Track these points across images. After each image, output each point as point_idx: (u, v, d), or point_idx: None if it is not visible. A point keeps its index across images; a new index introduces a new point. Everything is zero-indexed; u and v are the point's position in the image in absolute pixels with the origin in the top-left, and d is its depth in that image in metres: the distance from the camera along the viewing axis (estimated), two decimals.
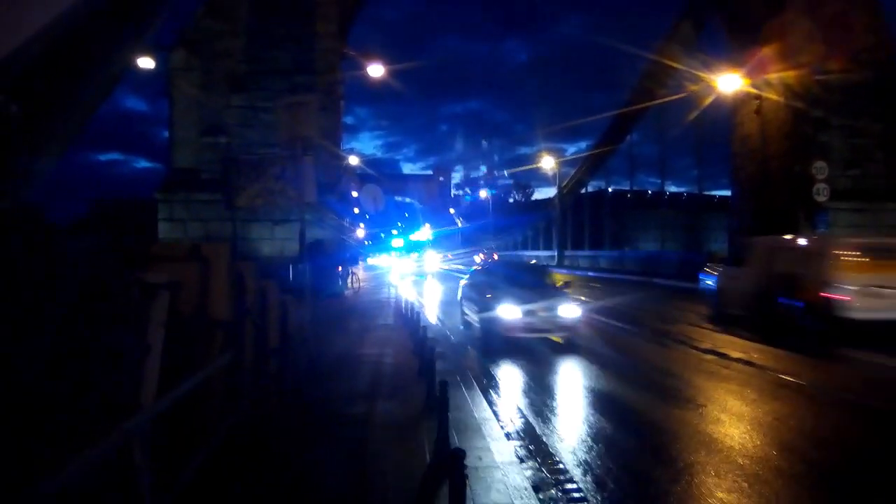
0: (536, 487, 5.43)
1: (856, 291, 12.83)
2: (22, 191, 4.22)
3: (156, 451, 3.97)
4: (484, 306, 13.52)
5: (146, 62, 20.41)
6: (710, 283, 20.00)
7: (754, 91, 27.31)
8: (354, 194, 34.26)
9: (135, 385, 3.91)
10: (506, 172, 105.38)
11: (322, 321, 14.85)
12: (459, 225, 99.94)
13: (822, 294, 13.14)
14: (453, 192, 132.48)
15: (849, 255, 13.53)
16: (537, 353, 12.33)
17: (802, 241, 15.84)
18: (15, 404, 3.02)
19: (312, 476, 5.73)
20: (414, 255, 76.38)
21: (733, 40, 30.28)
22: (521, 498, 5.03)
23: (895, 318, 12.59)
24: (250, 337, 6.38)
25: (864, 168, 26.00)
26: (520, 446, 6.73)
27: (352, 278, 30.00)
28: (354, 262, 42.04)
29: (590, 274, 44.45)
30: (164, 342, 4.18)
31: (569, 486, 5.61)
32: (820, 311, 13.18)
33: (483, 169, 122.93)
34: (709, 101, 31.63)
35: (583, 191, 59.15)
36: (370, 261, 68.83)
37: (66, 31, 4.11)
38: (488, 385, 9.83)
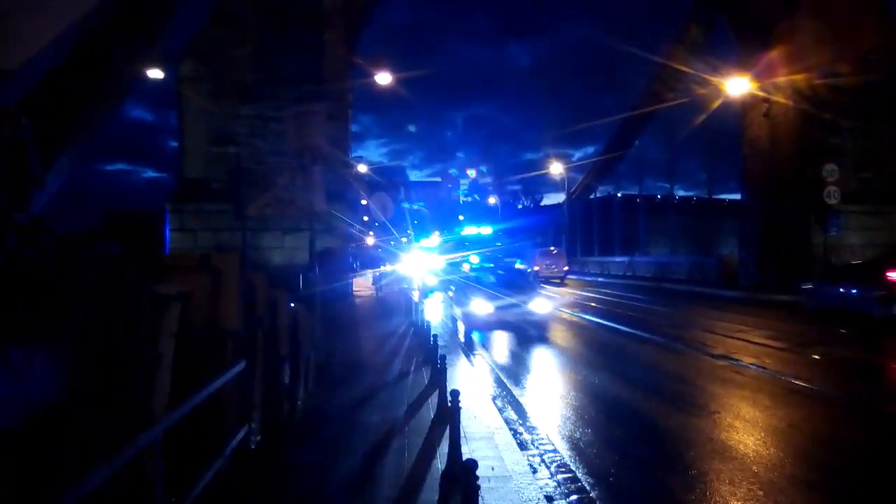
0: None
1: (541, 267, 42.92)
2: (35, 202, 4.24)
3: (168, 461, 3.96)
4: None
5: (155, 72, 20.55)
6: (522, 267, 38.10)
7: (763, 94, 27.21)
8: (364, 202, 34.28)
9: (146, 396, 3.91)
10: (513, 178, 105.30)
11: (332, 329, 14.85)
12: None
13: (535, 268, 40.92)
14: (461, 198, 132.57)
15: (540, 255, 44.94)
16: None
17: (538, 251, 46.13)
18: (25, 416, 3.01)
19: (327, 484, 5.71)
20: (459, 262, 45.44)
21: (742, 43, 30.20)
22: None
23: (552, 275, 42.24)
24: (261, 346, 6.37)
25: (876, 170, 25.82)
26: None
27: (380, 280, 35.31)
28: (376, 264, 43.48)
29: (599, 279, 44.54)
30: (176, 353, 4.18)
31: None
32: (536, 274, 38.47)
33: (489, 178, 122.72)
34: (717, 104, 31.54)
35: (591, 196, 59.09)
36: (384, 268, 59.29)
37: (76, 43, 4.12)
38: None
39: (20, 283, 3.37)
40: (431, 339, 10.72)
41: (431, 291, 31.80)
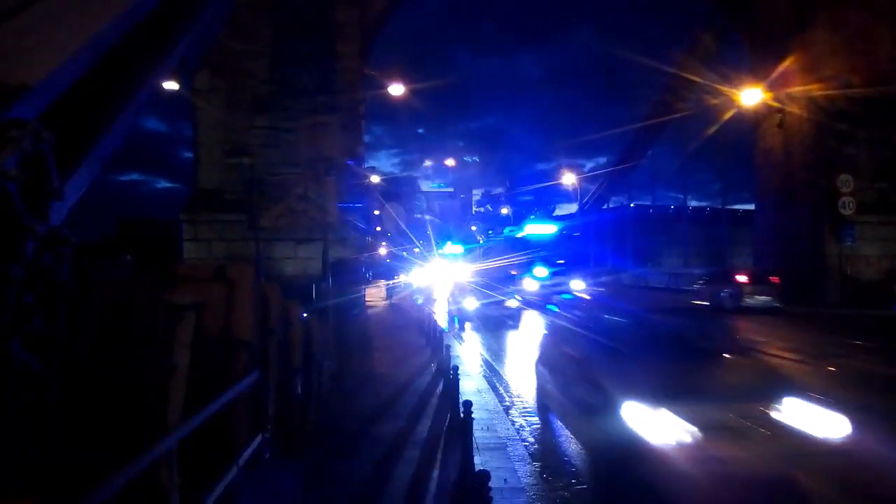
0: None
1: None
2: (54, 214, 4.30)
3: (182, 470, 3.99)
4: None
5: (170, 84, 20.74)
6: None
7: (777, 104, 27.10)
8: (376, 213, 34.36)
9: (161, 406, 3.95)
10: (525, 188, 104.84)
11: (345, 340, 14.88)
12: (481, 241, 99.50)
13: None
14: (474, 208, 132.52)
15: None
16: None
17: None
18: (41, 426, 3.05)
19: (340, 495, 5.72)
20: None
21: (755, 53, 30.12)
22: None
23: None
24: (274, 357, 6.41)
25: (892, 180, 25.60)
26: None
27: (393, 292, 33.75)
28: (390, 275, 42.58)
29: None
30: (190, 362, 4.21)
31: None
32: None
33: (501, 189, 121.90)
34: (730, 114, 31.45)
35: (604, 206, 59.01)
36: (397, 279, 53.89)
37: (95, 56, 4.19)
38: None
39: (37, 294, 3.42)
40: None
41: (464, 321, 20.95)
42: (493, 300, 21.28)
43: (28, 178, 2.93)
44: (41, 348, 3.26)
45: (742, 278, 23.97)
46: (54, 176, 3.31)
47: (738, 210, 59.79)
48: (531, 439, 7.77)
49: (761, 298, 23.09)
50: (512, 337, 17.39)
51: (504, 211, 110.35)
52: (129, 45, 4.78)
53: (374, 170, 52.12)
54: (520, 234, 35.12)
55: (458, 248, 58.03)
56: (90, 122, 4.29)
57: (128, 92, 4.82)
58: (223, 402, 4.42)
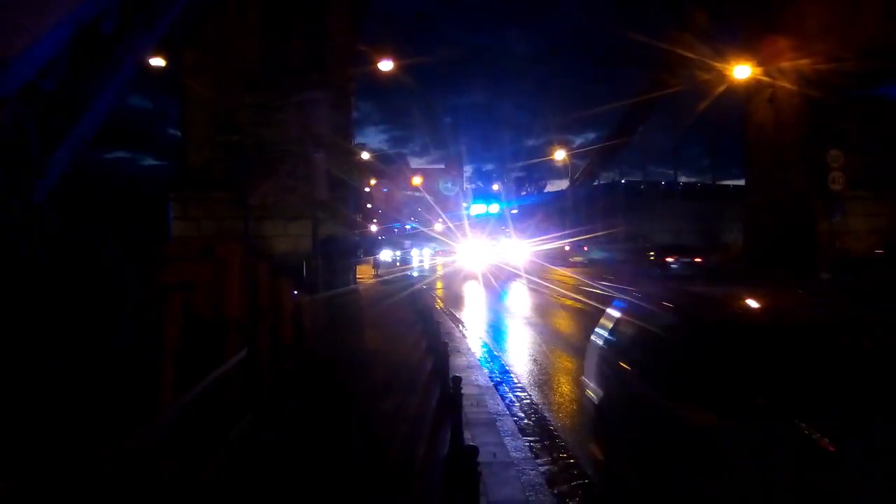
0: None
1: None
2: (36, 191, 4.23)
3: (174, 449, 3.98)
4: None
5: (157, 61, 20.46)
6: None
7: (768, 79, 27.01)
8: (367, 189, 34.10)
9: (151, 386, 3.93)
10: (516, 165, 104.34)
11: (337, 316, 14.87)
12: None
13: None
14: (465, 185, 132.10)
15: None
16: None
17: None
18: (29, 410, 3.03)
19: (328, 472, 5.74)
20: None
21: (746, 28, 29.98)
22: None
23: None
24: (265, 334, 6.39)
25: (883, 155, 25.61)
26: None
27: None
28: (379, 251, 42.57)
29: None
30: (180, 342, 4.19)
31: None
32: None
33: (491, 165, 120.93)
34: (721, 89, 31.35)
35: (595, 182, 59.02)
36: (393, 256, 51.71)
37: (76, 33, 4.10)
38: None
39: (26, 278, 3.38)
40: None
41: None
42: None
43: (7, 154, 2.88)
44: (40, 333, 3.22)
45: None
46: (35, 153, 3.26)
47: (728, 185, 59.88)
48: None
49: None
50: None
51: (495, 187, 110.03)
52: (112, 20, 4.68)
53: (364, 146, 51.92)
54: None
55: (493, 207, 44.59)
56: (71, 98, 4.22)
57: (110, 67, 4.74)
58: (212, 382, 4.41)
